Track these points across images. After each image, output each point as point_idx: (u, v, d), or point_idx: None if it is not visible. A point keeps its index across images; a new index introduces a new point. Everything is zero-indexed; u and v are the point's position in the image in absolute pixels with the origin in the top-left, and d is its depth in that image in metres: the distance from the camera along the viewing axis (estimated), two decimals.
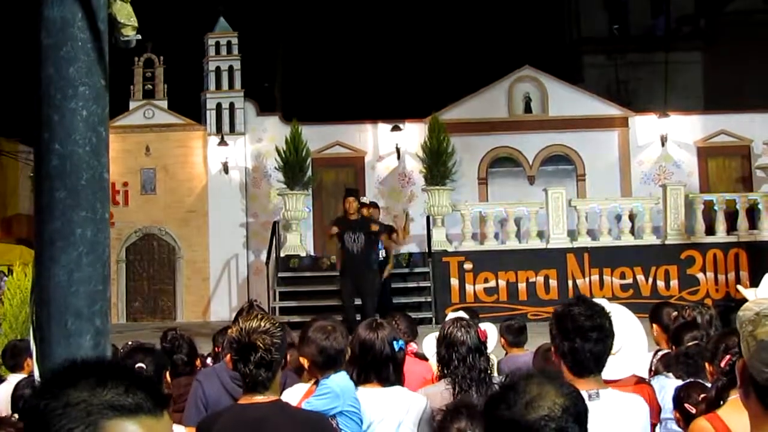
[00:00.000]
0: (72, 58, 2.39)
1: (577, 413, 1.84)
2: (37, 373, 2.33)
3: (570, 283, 15.11)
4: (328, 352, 3.55)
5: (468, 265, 14.53)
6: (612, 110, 18.43)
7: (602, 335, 2.98)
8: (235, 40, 18.18)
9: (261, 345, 2.99)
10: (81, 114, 2.39)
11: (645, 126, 18.10)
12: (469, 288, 14.73)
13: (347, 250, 11.56)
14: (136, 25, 2.65)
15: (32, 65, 2.44)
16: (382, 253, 12.41)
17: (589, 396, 2.85)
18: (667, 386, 4.41)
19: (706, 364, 4.13)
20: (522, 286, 15.11)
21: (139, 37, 2.70)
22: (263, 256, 16.38)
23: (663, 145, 18.01)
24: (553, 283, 15.14)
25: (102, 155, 2.43)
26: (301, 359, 3.65)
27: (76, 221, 2.36)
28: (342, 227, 11.69)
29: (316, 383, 3.63)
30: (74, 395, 1.29)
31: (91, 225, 2.38)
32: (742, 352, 1.87)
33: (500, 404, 1.86)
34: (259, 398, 3.02)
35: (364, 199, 12.99)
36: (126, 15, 2.61)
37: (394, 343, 3.73)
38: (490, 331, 5.20)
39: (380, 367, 3.71)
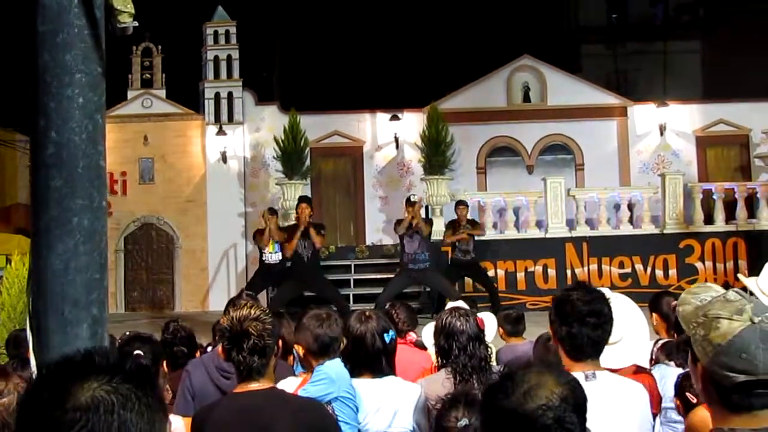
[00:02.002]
0: (68, 45, 2.37)
1: (576, 403, 1.84)
2: (33, 363, 2.32)
3: (569, 272, 15.14)
4: (322, 340, 3.57)
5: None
6: (611, 99, 18.39)
7: (600, 321, 2.98)
8: (233, 30, 18.12)
9: (253, 332, 3.00)
10: (77, 101, 2.37)
11: (644, 115, 18.07)
12: (467, 278, 14.73)
13: (299, 256, 11.80)
14: (132, 11, 2.62)
15: (28, 52, 2.42)
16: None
17: (586, 376, 2.86)
18: (667, 375, 4.41)
19: None
20: (521, 275, 15.15)
21: (136, 24, 2.68)
22: None
23: (662, 134, 17.98)
24: (551, 272, 15.17)
25: (98, 143, 2.41)
26: (296, 347, 3.66)
27: (73, 209, 2.34)
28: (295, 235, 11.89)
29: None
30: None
31: (88, 213, 2.36)
32: (698, 355, 1.85)
33: (498, 393, 1.86)
34: (254, 386, 3.03)
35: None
36: (122, 2, 2.59)
37: (385, 335, 3.74)
38: (489, 320, 5.21)
39: (372, 361, 3.72)
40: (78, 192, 2.36)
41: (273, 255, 13.29)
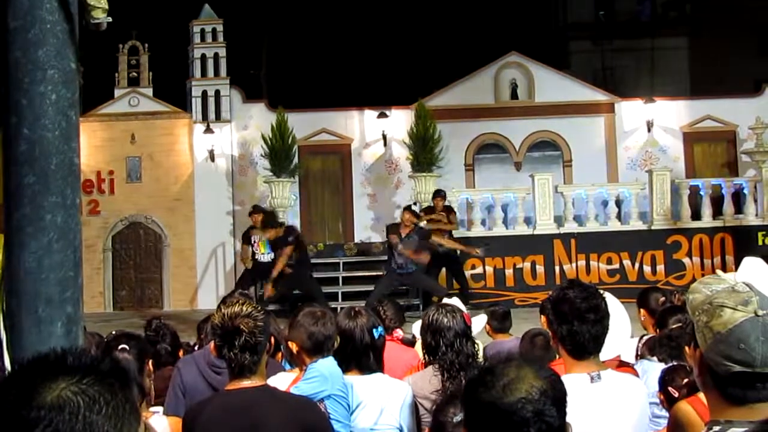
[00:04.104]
0: (40, 41, 2.35)
1: (555, 396, 1.84)
2: (7, 362, 2.30)
3: (557, 268, 15.16)
4: (316, 338, 3.56)
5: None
6: (598, 96, 18.43)
7: (599, 316, 3.01)
8: (220, 27, 18.05)
9: (245, 329, 2.99)
10: (50, 98, 2.35)
11: (631, 111, 18.11)
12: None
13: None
14: (106, 7, 2.60)
15: (0, 48, 2.40)
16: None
17: (591, 378, 2.88)
18: (650, 370, 4.43)
19: (687, 348, 4.14)
20: (509, 272, 15.15)
21: (110, 19, 2.66)
22: None
23: (649, 130, 18.03)
24: (540, 269, 15.18)
25: (72, 140, 2.39)
26: (290, 344, 3.66)
27: (46, 207, 2.33)
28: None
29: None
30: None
31: (61, 210, 2.34)
32: (698, 342, 1.86)
33: (479, 387, 1.86)
34: (246, 383, 3.02)
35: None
36: None
37: (374, 330, 3.74)
38: (476, 316, 5.22)
39: (360, 356, 3.72)
40: (51, 189, 2.34)
41: (266, 255, 13.39)
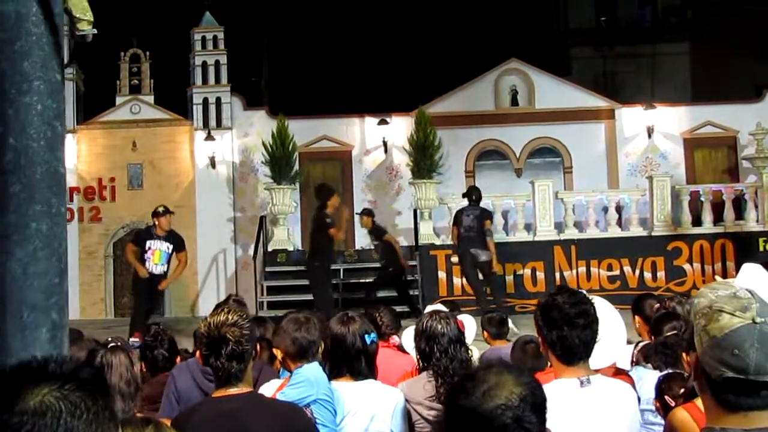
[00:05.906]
0: (26, 52, 2.40)
1: (535, 402, 1.86)
2: None
3: (557, 275, 15.15)
4: (300, 343, 3.60)
5: (455, 258, 14.52)
6: (599, 102, 18.44)
7: (588, 321, 3.04)
8: (221, 35, 18.11)
9: (231, 338, 3.02)
10: (36, 108, 2.40)
11: (631, 118, 18.12)
12: (456, 281, 14.77)
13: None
14: (91, 19, 2.64)
15: None
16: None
17: (581, 382, 2.90)
18: (645, 377, 4.42)
19: (683, 355, 4.15)
20: (509, 278, 15.13)
21: (95, 31, 2.70)
22: (251, 251, 16.34)
23: (649, 136, 18.03)
24: (540, 275, 15.17)
25: (57, 149, 2.44)
26: (275, 350, 3.69)
27: (31, 215, 2.38)
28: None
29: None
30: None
31: (46, 219, 2.40)
32: (696, 345, 1.87)
33: (459, 393, 1.88)
34: (233, 390, 3.05)
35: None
36: (81, 9, 2.61)
37: (366, 336, 3.77)
38: (468, 322, 5.23)
39: (352, 361, 3.74)
40: (36, 198, 2.40)
41: (158, 266, 12.34)
